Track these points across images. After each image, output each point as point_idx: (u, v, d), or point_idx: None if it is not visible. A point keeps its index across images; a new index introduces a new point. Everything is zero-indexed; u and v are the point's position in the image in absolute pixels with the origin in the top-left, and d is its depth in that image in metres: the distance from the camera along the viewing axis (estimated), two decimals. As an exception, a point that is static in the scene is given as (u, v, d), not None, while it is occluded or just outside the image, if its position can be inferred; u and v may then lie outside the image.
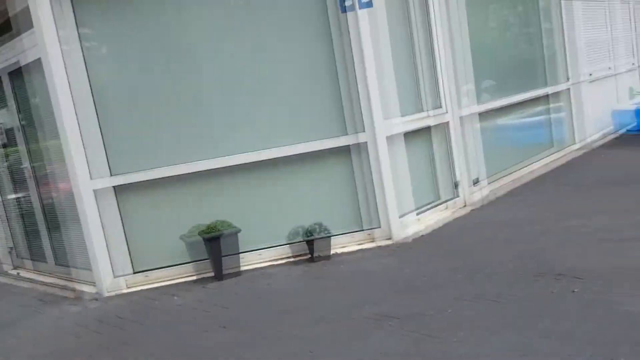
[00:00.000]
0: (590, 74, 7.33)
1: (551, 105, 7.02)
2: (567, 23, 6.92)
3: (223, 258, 4.22)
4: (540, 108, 6.94)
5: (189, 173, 4.34)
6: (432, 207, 5.15)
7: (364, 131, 4.48)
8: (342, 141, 4.54)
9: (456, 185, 5.30)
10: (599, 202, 4.85)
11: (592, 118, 7.44)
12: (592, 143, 7.37)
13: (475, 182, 5.42)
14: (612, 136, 7.84)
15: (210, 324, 3.53)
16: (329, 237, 4.41)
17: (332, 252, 4.47)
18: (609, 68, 8.19)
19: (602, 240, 3.89)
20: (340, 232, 4.60)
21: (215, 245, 4.17)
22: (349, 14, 4.32)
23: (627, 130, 7.83)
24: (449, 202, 5.28)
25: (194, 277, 4.43)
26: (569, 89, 7.05)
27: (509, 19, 6.70)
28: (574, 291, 3.15)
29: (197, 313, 3.75)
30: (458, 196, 5.32)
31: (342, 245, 4.59)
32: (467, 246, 4.33)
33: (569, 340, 2.61)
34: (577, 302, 3.03)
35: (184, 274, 4.44)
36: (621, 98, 8.44)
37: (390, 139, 4.53)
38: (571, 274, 3.40)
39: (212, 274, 4.33)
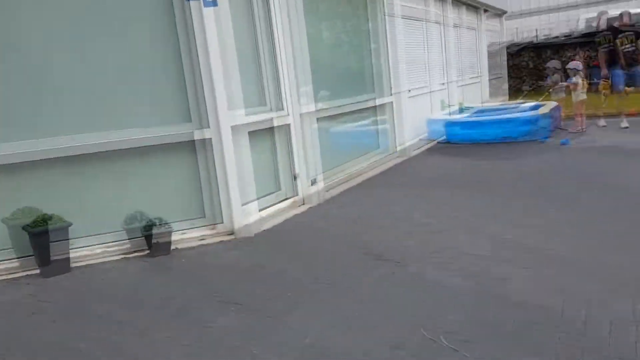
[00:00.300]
0: (409, 90, 8.33)
1: (378, 116, 7.85)
2: (391, 43, 7.79)
3: (51, 253, 3.91)
4: (369, 117, 7.71)
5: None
6: (273, 204, 5.39)
7: (208, 124, 4.55)
8: (185, 133, 4.55)
9: (296, 184, 5.62)
10: (418, 200, 5.58)
11: (411, 127, 8.46)
12: (411, 149, 8.38)
13: (313, 182, 5.81)
14: (428, 145, 9.00)
15: (40, 318, 3.30)
16: (170, 232, 4.37)
17: (173, 247, 4.43)
18: (425, 84, 9.41)
19: (420, 231, 4.53)
20: (182, 228, 4.59)
21: (41, 240, 3.86)
22: (193, 4, 4.36)
23: (439, 142, 9.06)
24: (289, 200, 5.58)
25: (19, 274, 4.04)
26: (392, 101, 7.93)
27: (342, 36, 7.34)
28: (393, 273, 3.64)
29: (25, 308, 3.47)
30: (297, 194, 5.65)
31: (183, 240, 4.57)
32: (305, 239, 4.68)
33: (383, 306, 3.04)
34: (398, 279, 3.53)
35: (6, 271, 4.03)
36: (435, 109, 9.78)
37: (234, 134, 4.65)
38: (394, 258, 3.91)
39: (38, 271, 4.00)
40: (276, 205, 5.43)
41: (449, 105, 10.03)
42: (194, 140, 4.60)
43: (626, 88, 8.78)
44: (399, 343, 2.76)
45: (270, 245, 4.56)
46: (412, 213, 5.10)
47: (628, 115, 8.91)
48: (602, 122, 9.04)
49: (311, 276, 3.74)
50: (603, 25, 14.19)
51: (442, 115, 9.55)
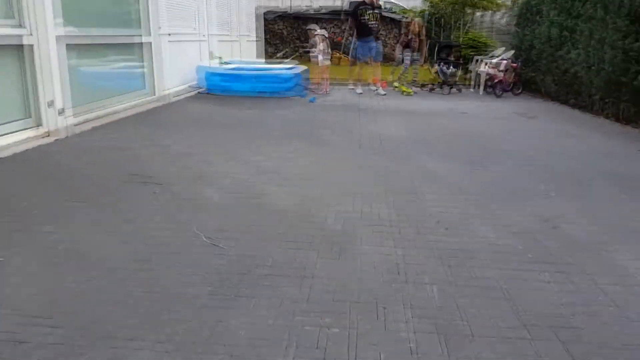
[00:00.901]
0: (170, 34, 8.17)
1: (139, 56, 7.51)
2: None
3: None
4: (129, 56, 7.33)
5: None
6: (18, 131, 4.80)
7: None
8: None
9: (42, 113, 5.08)
10: (178, 135, 5.64)
11: (175, 73, 8.36)
12: (174, 95, 8.29)
13: (61, 112, 5.33)
14: (191, 93, 9.03)
15: None
16: None
17: None
18: (194, 32, 9.35)
19: (179, 159, 4.64)
20: None
21: None
22: None
23: (199, 92, 9.17)
24: (34, 129, 5.03)
25: None
26: (151, 42, 7.67)
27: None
28: (154, 192, 3.72)
29: None
30: (44, 124, 5.13)
31: None
32: (59, 165, 4.34)
33: (147, 216, 3.13)
34: (163, 197, 3.62)
35: None
36: (205, 58, 9.86)
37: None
38: (154, 180, 3.97)
39: None
40: (19, 132, 4.85)
41: (219, 58, 10.20)
42: None
43: (370, 59, 10.06)
44: (164, 242, 2.90)
45: (19, 172, 4.11)
46: (173, 146, 5.19)
47: (372, 83, 10.37)
48: (359, 89, 10.29)
49: (70, 197, 3.56)
50: (347, 6, 16.15)
51: (209, 65, 9.66)
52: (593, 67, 7.74)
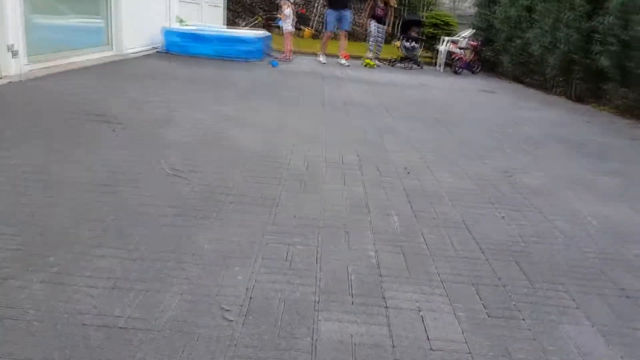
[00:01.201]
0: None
1: (99, 9, 7.24)
2: None
3: None
4: (91, 9, 7.07)
5: None
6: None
7: None
8: None
9: None
10: (137, 85, 5.48)
11: (138, 30, 8.10)
12: (134, 51, 8.03)
13: (15, 53, 5.08)
14: (154, 50, 8.76)
15: None
16: None
17: None
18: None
19: (139, 105, 4.53)
20: None
21: None
22: None
23: (158, 51, 8.91)
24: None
25: None
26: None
27: None
28: (114, 130, 3.64)
29: None
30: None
31: None
32: (14, 103, 4.17)
33: (113, 150, 3.06)
34: (122, 135, 3.53)
35: None
36: (172, 21, 9.65)
37: None
38: (115, 120, 3.87)
39: None
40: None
41: (180, 20, 9.92)
42: None
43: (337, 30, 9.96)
44: (127, 171, 2.86)
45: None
46: (132, 93, 5.07)
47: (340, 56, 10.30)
48: (322, 58, 10.20)
49: (30, 128, 3.43)
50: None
51: (173, 25, 9.38)
52: (549, 47, 8.03)
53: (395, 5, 10.58)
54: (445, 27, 12.15)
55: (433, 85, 8.21)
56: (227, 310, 1.70)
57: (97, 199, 2.46)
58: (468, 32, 10.48)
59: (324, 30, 10.56)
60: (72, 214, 2.28)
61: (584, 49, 7.18)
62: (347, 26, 10.23)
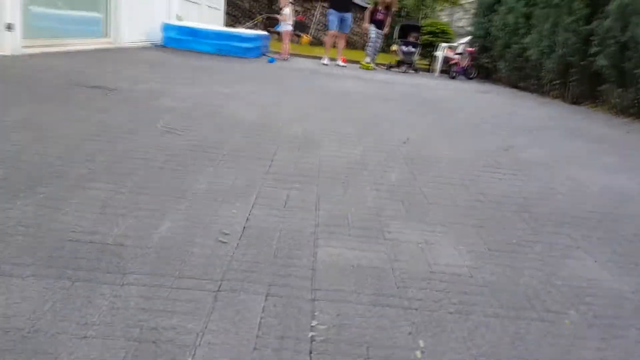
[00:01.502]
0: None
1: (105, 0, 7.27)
2: None
3: None
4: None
5: None
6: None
7: None
8: None
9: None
10: (132, 68, 5.45)
11: (137, 23, 8.10)
12: (136, 44, 8.03)
13: (10, 27, 5.03)
14: (153, 44, 8.73)
15: None
16: None
17: None
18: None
19: (133, 80, 4.49)
20: None
21: None
22: None
23: (155, 45, 8.89)
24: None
25: None
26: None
27: None
28: (107, 94, 3.59)
29: None
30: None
31: None
32: (5, 72, 4.10)
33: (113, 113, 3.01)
34: (116, 100, 3.48)
35: None
36: (172, 17, 9.66)
37: None
38: (109, 88, 3.82)
39: None
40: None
41: (179, 17, 9.94)
42: None
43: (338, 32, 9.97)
44: (121, 126, 2.80)
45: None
46: (127, 72, 5.02)
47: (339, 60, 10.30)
48: (326, 60, 10.17)
49: (21, 92, 3.37)
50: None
51: (176, 23, 9.37)
52: (546, 51, 8.09)
53: (397, 9, 10.63)
54: (442, 36, 12.25)
55: (429, 86, 8.24)
56: (223, 234, 1.64)
57: (88, 146, 2.40)
58: (464, 38, 10.56)
59: (326, 34, 10.55)
60: (62, 155, 2.22)
61: (582, 51, 7.24)
62: (347, 29, 10.26)
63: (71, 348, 1.06)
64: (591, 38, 7.04)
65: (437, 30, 12.44)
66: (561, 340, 1.28)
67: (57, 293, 1.23)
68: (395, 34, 10.98)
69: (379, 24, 10.22)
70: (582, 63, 7.23)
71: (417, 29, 11.23)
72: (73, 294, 1.24)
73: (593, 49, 6.90)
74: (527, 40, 8.74)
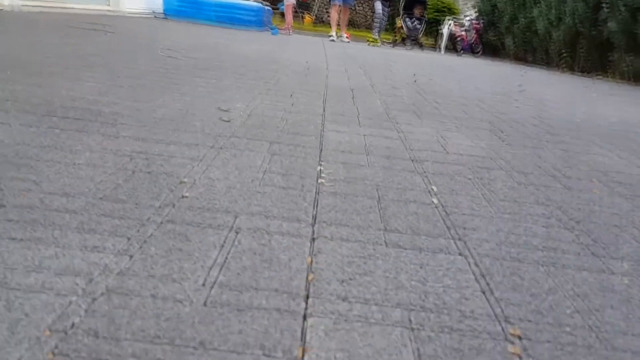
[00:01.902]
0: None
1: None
2: None
3: None
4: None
5: None
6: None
7: None
8: None
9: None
10: (135, 27, 5.34)
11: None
12: (136, 13, 7.91)
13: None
14: (153, 15, 8.62)
15: None
16: None
17: None
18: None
19: (131, 29, 4.38)
20: None
21: None
22: None
23: (155, 15, 8.76)
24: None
25: None
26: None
27: None
28: (106, 34, 3.49)
29: None
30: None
31: None
32: (9, 22, 4.01)
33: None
34: (114, 37, 3.38)
35: None
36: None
37: None
38: (108, 30, 3.72)
39: None
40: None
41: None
42: None
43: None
44: (120, 50, 2.70)
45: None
46: (128, 29, 4.91)
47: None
48: (334, 35, 10.01)
49: (18, 32, 3.28)
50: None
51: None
52: (554, 22, 7.95)
53: None
54: (448, 12, 12.08)
55: (434, 59, 8.11)
56: (224, 111, 1.55)
57: (86, 59, 2.30)
58: (472, 13, 10.41)
59: (329, 12, 10.39)
60: (56, 54, 2.12)
61: (591, 19, 7.10)
62: (352, 1, 10.09)
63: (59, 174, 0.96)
64: (601, 4, 6.90)
65: (443, 8, 12.27)
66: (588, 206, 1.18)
67: (48, 135, 1.14)
68: (400, 6, 10.81)
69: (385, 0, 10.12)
70: (591, 32, 7.09)
71: (422, 3, 11.04)
72: (63, 137, 1.14)
73: (603, 15, 6.76)
74: (534, 12, 8.60)
